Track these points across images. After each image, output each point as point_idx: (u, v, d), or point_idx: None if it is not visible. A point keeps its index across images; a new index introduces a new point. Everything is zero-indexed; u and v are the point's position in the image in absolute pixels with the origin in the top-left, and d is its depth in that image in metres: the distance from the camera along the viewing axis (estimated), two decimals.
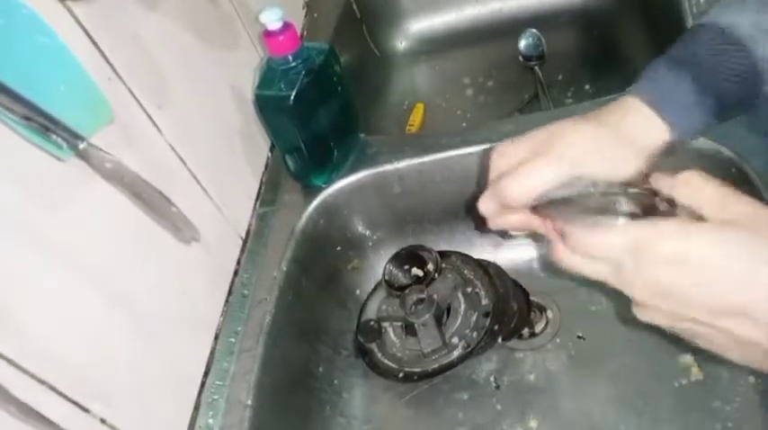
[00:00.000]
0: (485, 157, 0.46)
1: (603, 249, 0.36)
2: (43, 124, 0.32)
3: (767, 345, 0.32)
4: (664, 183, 0.38)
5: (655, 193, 0.39)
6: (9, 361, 0.34)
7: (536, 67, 0.95)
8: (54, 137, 0.33)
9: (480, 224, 0.46)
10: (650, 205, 0.38)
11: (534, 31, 0.96)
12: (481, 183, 0.45)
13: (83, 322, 0.42)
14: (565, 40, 0.97)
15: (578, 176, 0.39)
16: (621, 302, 0.62)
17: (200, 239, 0.45)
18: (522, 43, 0.97)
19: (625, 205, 0.38)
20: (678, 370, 0.61)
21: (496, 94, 0.96)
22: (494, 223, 0.45)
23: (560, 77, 0.94)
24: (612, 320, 0.66)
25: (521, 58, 0.97)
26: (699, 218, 0.35)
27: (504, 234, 0.48)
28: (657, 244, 0.33)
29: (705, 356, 0.61)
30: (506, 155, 0.43)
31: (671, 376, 0.61)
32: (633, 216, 0.37)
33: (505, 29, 0.99)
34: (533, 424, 0.62)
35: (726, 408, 0.58)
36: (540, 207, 0.41)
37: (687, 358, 0.61)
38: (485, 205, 0.44)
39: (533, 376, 0.65)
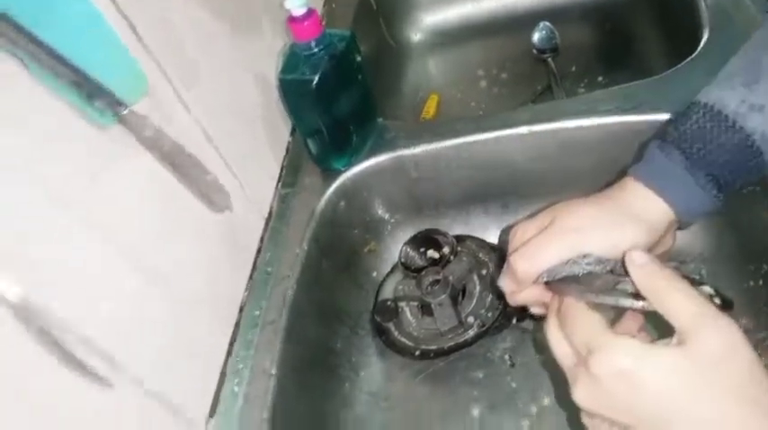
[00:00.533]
0: (504, 234, 0.49)
1: (578, 335, 0.37)
2: (89, 90, 0.34)
3: None
4: (640, 268, 0.39)
5: None
6: (59, 318, 0.36)
7: (549, 60, 0.96)
8: (98, 103, 0.35)
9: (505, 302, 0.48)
10: None
11: (548, 23, 0.98)
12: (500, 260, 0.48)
13: (118, 287, 0.44)
14: (578, 32, 0.99)
15: (585, 254, 0.41)
16: None
17: (232, 209, 0.47)
18: (536, 36, 0.98)
19: (630, 285, 0.39)
20: None
21: (510, 85, 0.97)
22: (512, 300, 0.47)
23: (573, 69, 0.95)
24: None
25: (534, 51, 0.98)
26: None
27: (530, 316, 0.50)
28: (615, 355, 0.34)
29: None
30: (521, 231, 0.46)
31: None
32: (636, 296, 0.38)
33: (519, 22, 1.01)
34: (546, 401, 0.63)
35: None
36: (553, 284, 0.43)
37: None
38: (503, 282, 0.47)
39: (546, 354, 0.66)
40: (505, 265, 0.46)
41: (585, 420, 0.39)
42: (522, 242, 0.45)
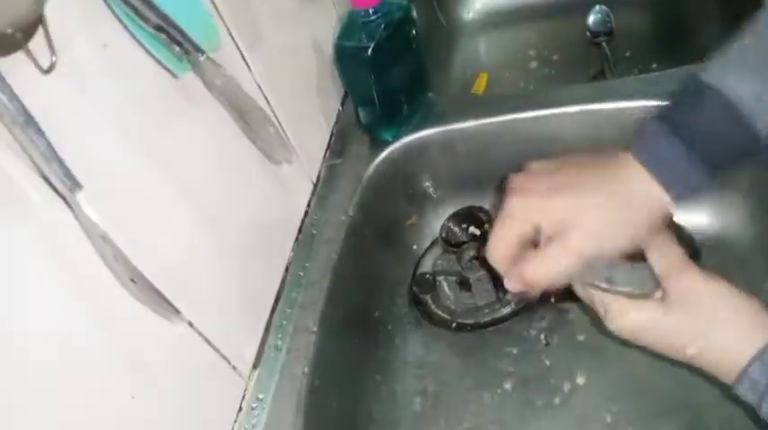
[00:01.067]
0: (500, 189, 0.49)
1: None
2: (171, 35, 0.36)
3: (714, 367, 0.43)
4: None
5: None
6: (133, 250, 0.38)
7: (603, 44, 0.95)
8: (177, 49, 0.37)
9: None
10: None
11: (603, 6, 0.96)
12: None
13: (177, 231, 0.46)
14: (634, 16, 0.97)
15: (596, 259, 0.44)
16: None
17: (292, 162, 0.48)
18: (591, 19, 0.97)
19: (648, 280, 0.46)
20: None
21: (561, 68, 0.96)
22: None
23: (628, 54, 0.94)
24: None
25: (588, 34, 0.97)
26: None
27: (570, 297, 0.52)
28: (621, 317, 0.45)
29: None
30: (524, 209, 0.45)
31: None
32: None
33: (574, 4, 0.99)
34: (580, 380, 0.63)
35: None
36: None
37: None
38: (511, 286, 0.47)
39: (583, 336, 0.67)
40: (511, 270, 0.46)
41: None
42: (524, 230, 0.45)
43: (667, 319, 0.43)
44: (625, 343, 0.47)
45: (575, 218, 0.43)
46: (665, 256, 0.45)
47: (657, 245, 0.46)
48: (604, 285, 0.45)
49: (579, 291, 0.49)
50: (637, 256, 0.47)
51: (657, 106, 0.62)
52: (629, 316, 0.45)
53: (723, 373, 0.42)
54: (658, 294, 0.45)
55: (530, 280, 0.45)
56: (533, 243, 0.46)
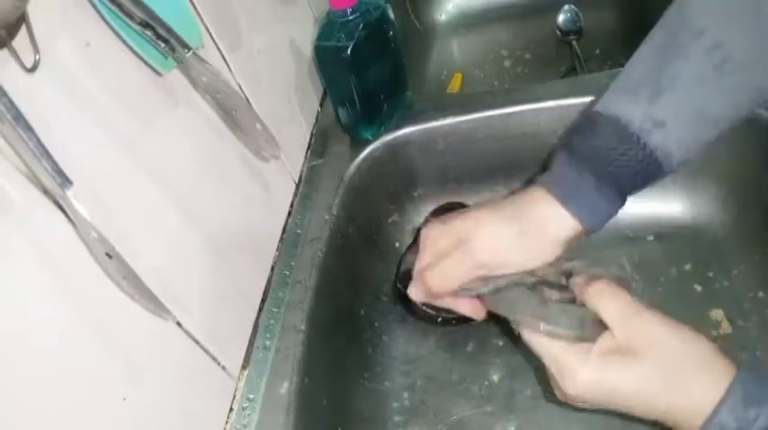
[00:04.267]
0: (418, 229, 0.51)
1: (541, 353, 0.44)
2: (157, 32, 0.36)
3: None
4: (579, 285, 0.44)
5: (565, 286, 0.46)
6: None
7: (573, 42, 0.97)
8: (163, 46, 0.37)
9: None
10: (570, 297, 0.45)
11: (572, 6, 0.99)
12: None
13: (163, 230, 0.46)
14: (603, 15, 1.00)
15: (492, 272, 0.45)
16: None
17: (279, 157, 0.48)
18: (561, 18, 0.99)
19: (551, 293, 0.45)
20: (709, 324, 0.64)
21: (534, 66, 0.98)
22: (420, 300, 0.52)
23: (597, 52, 0.96)
24: (645, 277, 0.68)
25: (558, 33, 0.99)
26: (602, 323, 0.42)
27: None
28: (579, 372, 0.41)
29: (735, 311, 0.64)
30: (432, 238, 0.49)
31: (701, 329, 0.63)
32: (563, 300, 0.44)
33: (544, 4, 1.02)
34: None
35: (753, 361, 0.60)
36: (483, 296, 0.48)
37: (717, 312, 0.64)
38: (414, 293, 0.51)
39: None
40: (415, 276, 0.50)
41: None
42: (432, 252, 0.48)
43: (639, 368, 0.39)
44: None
45: (475, 231, 0.46)
46: (613, 301, 0.42)
47: (599, 289, 0.43)
48: (543, 326, 0.42)
49: (527, 340, 0.46)
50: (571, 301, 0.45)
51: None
52: (587, 370, 0.40)
53: (692, 421, 0.39)
54: (604, 339, 0.42)
55: (431, 286, 0.48)
56: None
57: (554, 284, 0.46)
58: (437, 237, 0.48)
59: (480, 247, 0.45)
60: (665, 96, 0.42)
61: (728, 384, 0.38)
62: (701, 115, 0.42)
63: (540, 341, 0.44)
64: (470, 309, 0.50)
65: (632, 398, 0.40)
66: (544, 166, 0.74)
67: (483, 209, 0.48)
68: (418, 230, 0.52)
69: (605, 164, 0.43)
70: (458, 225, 0.47)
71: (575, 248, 0.47)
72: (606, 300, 0.42)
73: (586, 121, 0.45)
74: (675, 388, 0.39)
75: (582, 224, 0.44)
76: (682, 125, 0.42)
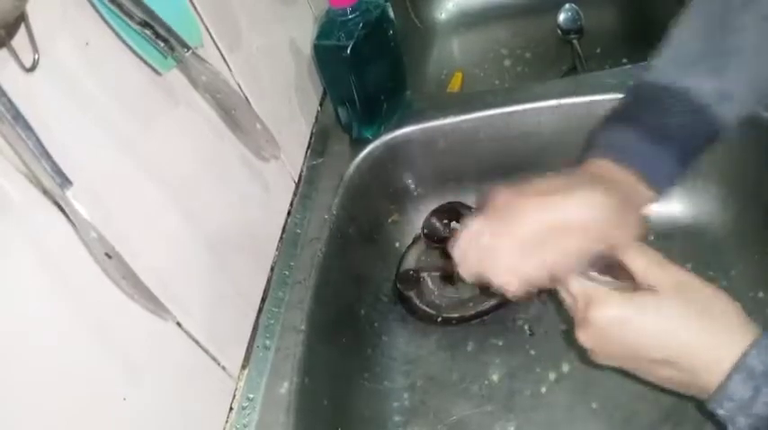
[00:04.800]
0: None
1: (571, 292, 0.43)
2: (156, 31, 0.36)
3: (687, 382, 0.40)
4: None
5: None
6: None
7: (574, 41, 0.97)
8: (162, 45, 0.37)
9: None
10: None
11: (573, 5, 0.99)
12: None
13: (163, 230, 0.46)
14: (603, 14, 1.00)
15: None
16: None
17: (279, 156, 0.48)
18: (561, 17, 0.99)
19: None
20: None
21: (534, 65, 0.98)
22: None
23: (598, 51, 0.96)
24: None
25: (559, 32, 0.99)
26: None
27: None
28: (607, 304, 0.41)
29: None
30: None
31: None
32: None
33: (545, 3, 1.01)
34: (566, 369, 0.64)
35: None
36: None
37: None
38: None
39: (566, 326, 0.68)
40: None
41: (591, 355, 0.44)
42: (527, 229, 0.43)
43: (666, 308, 0.39)
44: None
45: (574, 218, 0.42)
46: (644, 254, 0.42)
47: (629, 247, 0.43)
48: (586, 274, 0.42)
49: (566, 284, 0.44)
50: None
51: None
52: (614, 304, 0.40)
53: (717, 365, 0.38)
54: (633, 284, 0.42)
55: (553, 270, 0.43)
56: None
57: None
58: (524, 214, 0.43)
59: (581, 239, 0.42)
60: (732, 68, 0.43)
61: (755, 333, 0.37)
62: (756, 85, 0.43)
63: (579, 280, 0.43)
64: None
65: (657, 336, 0.40)
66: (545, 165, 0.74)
67: (566, 190, 0.42)
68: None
69: (675, 137, 0.44)
70: (551, 204, 0.42)
71: None
72: (635, 252, 0.42)
73: (651, 96, 0.45)
74: (701, 330, 0.39)
75: (657, 196, 0.44)
76: (748, 95, 0.43)
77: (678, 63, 0.45)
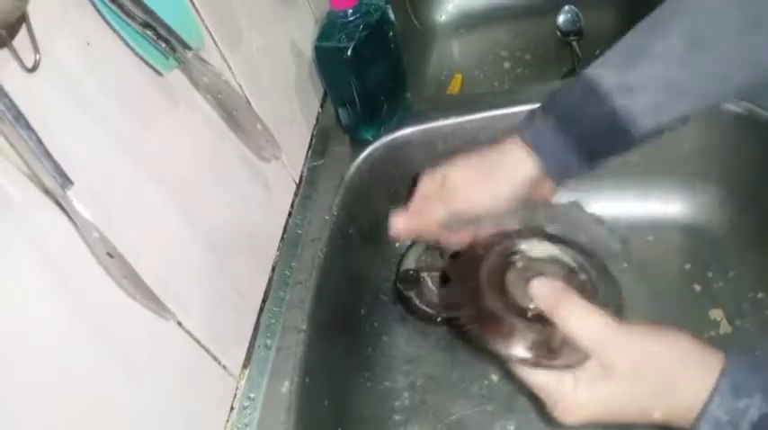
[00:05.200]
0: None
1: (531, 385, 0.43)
2: (158, 32, 0.36)
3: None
4: (542, 298, 0.42)
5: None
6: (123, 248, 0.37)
7: (574, 43, 0.98)
8: (164, 46, 0.37)
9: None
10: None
11: (573, 6, 0.99)
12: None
13: (164, 230, 0.46)
14: (603, 16, 1.00)
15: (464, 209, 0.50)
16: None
17: (280, 157, 0.48)
18: (561, 19, 0.99)
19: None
20: (708, 323, 0.64)
21: (534, 67, 0.98)
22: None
23: (597, 53, 0.95)
24: (645, 274, 0.68)
25: (559, 34, 0.99)
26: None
27: None
28: (571, 401, 0.40)
29: (734, 311, 0.64)
30: (427, 182, 0.54)
31: (701, 329, 0.63)
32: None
33: (544, 5, 1.02)
34: None
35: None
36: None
37: (717, 312, 0.64)
38: (397, 223, 0.54)
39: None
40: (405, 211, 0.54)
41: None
42: (421, 194, 0.54)
43: (627, 386, 0.39)
44: None
45: (452, 174, 0.51)
46: (584, 323, 0.40)
47: (567, 310, 0.41)
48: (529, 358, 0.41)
49: (519, 373, 0.44)
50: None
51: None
52: (578, 398, 0.40)
53: (687, 421, 0.38)
54: (589, 364, 0.40)
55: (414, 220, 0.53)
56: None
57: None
58: (426, 181, 0.54)
59: (454, 186, 0.51)
60: (639, 66, 0.44)
61: (716, 377, 0.37)
62: (672, 89, 0.44)
63: (527, 374, 0.43)
64: (454, 239, 0.54)
65: (627, 412, 0.40)
66: None
67: (465, 156, 0.52)
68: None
69: (570, 116, 0.47)
70: (441, 170, 0.53)
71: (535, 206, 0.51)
72: (577, 323, 0.40)
73: (567, 83, 0.49)
74: (666, 393, 0.39)
75: (541, 166, 0.48)
76: (650, 94, 0.44)
77: (603, 57, 0.48)
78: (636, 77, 0.45)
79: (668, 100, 0.45)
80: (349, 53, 0.64)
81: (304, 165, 0.72)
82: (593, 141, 0.47)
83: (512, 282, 0.46)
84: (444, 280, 0.73)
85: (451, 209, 0.51)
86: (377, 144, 0.73)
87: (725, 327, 0.63)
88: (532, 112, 0.50)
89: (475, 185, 0.50)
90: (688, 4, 0.44)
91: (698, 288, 0.66)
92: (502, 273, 0.47)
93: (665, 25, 0.45)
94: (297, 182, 0.69)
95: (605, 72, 0.46)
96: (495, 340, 0.43)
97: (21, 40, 0.34)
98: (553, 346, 0.41)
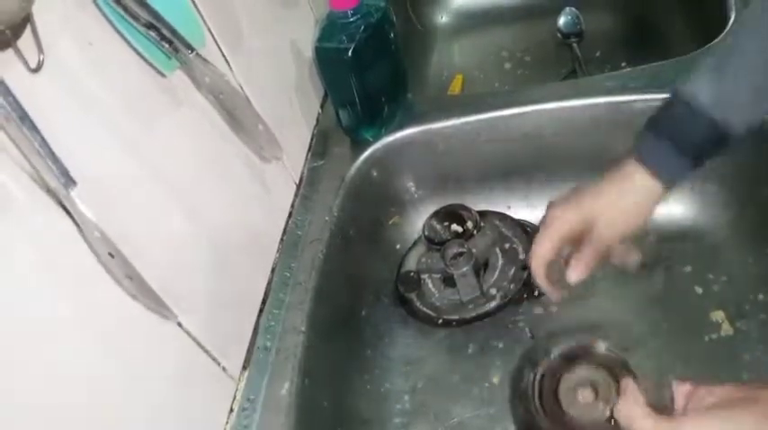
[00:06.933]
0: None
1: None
2: (161, 33, 0.36)
3: None
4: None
5: None
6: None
7: (574, 44, 0.98)
8: (167, 46, 0.37)
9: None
10: None
11: (573, 8, 0.99)
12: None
13: (165, 230, 0.46)
14: (603, 18, 1.00)
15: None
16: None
17: (281, 157, 0.48)
18: (561, 20, 1.00)
19: None
20: (709, 325, 0.64)
21: (534, 68, 0.99)
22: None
23: (598, 55, 0.96)
24: (645, 277, 0.68)
25: (559, 35, 1.00)
26: None
27: None
28: None
29: (736, 313, 0.64)
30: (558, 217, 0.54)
31: (702, 330, 0.63)
32: None
33: (545, 6, 1.02)
34: None
35: (754, 362, 0.60)
36: None
37: (718, 314, 0.64)
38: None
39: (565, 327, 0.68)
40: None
41: None
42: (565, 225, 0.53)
43: None
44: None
45: (597, 210, 0.52)
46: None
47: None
48: None
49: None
50: None
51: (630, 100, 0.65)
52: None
53: None
54: None
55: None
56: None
57: None
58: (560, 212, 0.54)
59: (594, 214, 0.52)
60: (725, 80, 0.48)
61: None
62: (758, 93, 0.47)
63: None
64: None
65: None
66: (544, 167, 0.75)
67: (584, 185, 0.54)
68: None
69: (680, 134, 0.49)
70: (571, 198, 0.54)
71: None
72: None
73: (665, 104, 0.51)
74: None
75: (664, 187, 0.51)
76: (740, 102, 0.47)
77: (696, 69, 0.50)
78: (725, 90, 0.48)
79: (756, 103, 0.48)
80: (349, 54, 0.64)
81: (304, 165, 0.72)
82: (702, 154, 0.50)
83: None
84: (446, 281, 0.73)
85: (595, 235, 0.52)
86: (377, 145, 0.73)
87: (726, 329, 0.63)
88: (642, 136, 0.52)
89: (613, 211, 0.52)
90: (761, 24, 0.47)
91: (699, 290, 0.66)
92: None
93: (740, 45, 0.48)
94: (297, 182, 0.69)
95: (697, 89, 0.48)
96: None
97: (25, 40, 0.34)
98: None
